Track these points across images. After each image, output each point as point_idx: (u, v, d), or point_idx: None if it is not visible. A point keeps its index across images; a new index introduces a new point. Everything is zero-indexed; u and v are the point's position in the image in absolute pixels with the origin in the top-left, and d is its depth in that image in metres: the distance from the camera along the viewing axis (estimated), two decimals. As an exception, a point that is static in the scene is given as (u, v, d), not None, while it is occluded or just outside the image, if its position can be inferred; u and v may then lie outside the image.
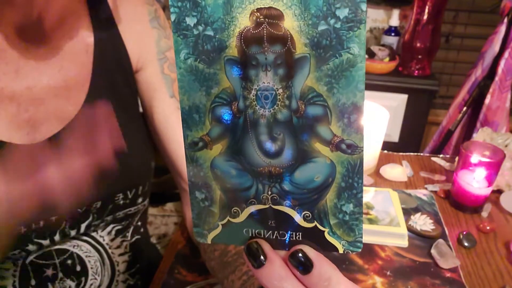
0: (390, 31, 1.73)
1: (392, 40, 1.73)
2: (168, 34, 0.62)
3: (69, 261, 0.56)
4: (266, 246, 0.28)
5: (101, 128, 0.55)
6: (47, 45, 0.50)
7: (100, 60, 0.54)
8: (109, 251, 0.61)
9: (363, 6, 0.22)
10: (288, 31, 0.24)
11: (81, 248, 0.57)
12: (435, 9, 1.54)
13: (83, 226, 0.56)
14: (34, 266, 0.54)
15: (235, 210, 0.28)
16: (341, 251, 0.28)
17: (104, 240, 0.60)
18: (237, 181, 0.27)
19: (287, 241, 0.28)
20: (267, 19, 0.24)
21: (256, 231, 0.29)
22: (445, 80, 1.95)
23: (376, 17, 1.86)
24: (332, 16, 0.23)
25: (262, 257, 0.27)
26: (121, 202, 0.58)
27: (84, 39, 0.54)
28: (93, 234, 0.59)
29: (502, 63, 1.30)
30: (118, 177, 0.56)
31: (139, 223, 0.68)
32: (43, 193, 0.50)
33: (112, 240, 0.61)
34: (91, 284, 0.59)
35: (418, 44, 1.60)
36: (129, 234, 0.65)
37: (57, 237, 0.53)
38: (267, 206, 0.28)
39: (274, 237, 0.28)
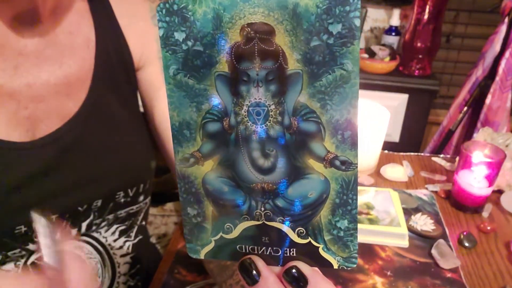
0: (390, 30, 1.73)
1: (392, 39, 1.72)
2: None
3: None
4: (259, 263, 0.28)
5: (101, 125, 0.54)
6: (46, 40, 0.49)
7: (102, 55, 0.54)
8: (111, 252, 0.61)
9: (357, 22, 0.22)
10: (280, 47, 0.23)
11: (82, 250, 0.57)
12: (435, 8, 1.54)
13: (84, 225, 0.56)
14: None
15: (228, 226, 0.28)
16: (335, 266, 0.27)
17: (106, 241, 0.60)
18: (229, 197, 0.27)
19: (281, 257, 0.28)
20: (258, 35, 0.23)
21: (249, 247, 0.28)
22: (446, 80, 1.95)
23: (376, 16, 1.86)
24: (325, 31, 0.23)
25: (255, 274, 0.27)
26: (122, 200, 0.57)
27: (85, 34, 0.53)
28: (96, 234, 0.59)
29: (502, 63, 1.30)
30: (118, 175, 0.56)
31: (143, 223, 0.67)
32: (43, 191, 0.50)
33: (115, 240, 0.61)
34: None
35: (419, 44, 1.60)
36: (132, 234, 0.64)
37: (58, 236, 0.53)
38: (260, 222, 0.27)
39: (268, 253, 0.28)
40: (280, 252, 0.28)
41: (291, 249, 0.28)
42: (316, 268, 0.28)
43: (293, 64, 0.24)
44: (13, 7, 0.45)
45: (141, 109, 0.64)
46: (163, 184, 1.16)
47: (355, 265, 0.27)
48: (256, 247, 0.28)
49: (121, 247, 0.62)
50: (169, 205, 1.22)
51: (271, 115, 0.25)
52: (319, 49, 0.23)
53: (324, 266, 0.28)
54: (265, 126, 0.25)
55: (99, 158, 0.54)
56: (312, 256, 0.28)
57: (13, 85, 0.47)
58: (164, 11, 0.24)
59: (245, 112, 0.25)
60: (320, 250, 0.27)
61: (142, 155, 0.60)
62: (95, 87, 0.53)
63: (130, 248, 0.64)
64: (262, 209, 0.27)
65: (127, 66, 0.57)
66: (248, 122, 0.25)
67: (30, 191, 0.48)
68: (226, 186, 0.27)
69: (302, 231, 0.27)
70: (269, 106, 0.25)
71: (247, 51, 0.24)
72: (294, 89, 0.24)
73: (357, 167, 0.25)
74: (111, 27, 0.55)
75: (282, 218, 0.27)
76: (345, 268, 0.27)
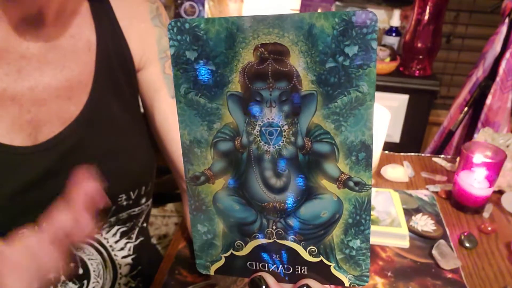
0: (391, 31, 1.73)
1: (393, 40, 1.72)
2: None
3: (71, 264, 0.56)
4: (270, 280, 0.27)
5: (103, 129, 0.54)
6: (49, 44, 0.49)
7: (103, 58, 0.54)
8: (112, 253, 0.61)
9: (374, 44, 0.22)
10: (294, 68, 0.23)
11: (84, 251, 0.57)
12: (436, 9, 1.54)
13: None
14: None
15: (238, 244, 0.28)
16: (347, 284, 0.27)
17: (108, 242, 0.60)
18: (240, 216, 0.27)
19: (292, 275, 0.28)
20: (272, 55, 0.23)
21: (260, 265, 0.28)
22: (446, 81, 1.95)
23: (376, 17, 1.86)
24: (341, 53, 0.22)
25: None
26: (124, 203, 0.57)
27: (86, 37, 0.53)
28: (97, 236, 0.59)
29: (503, 64, 1.30)
30: (120, 178, 0.56)
31: (144, 225, 0.67)
32: (45, 195, 0.50)
33: (116, 242, 0.61)
34: (93, 287, 0.59)
35: (419, 45, 1.59)
36: (134, 236, 0.64)
37: None
38: (271, 240, 0.27)
39: (278, 271, 0.28)
40: (291, 270, 0.28)
41: (302, 267, 0.28)
42: (327, 286, 0.28)
43: (307, 85, 0.23)
44: (21, 10, 0.45)
45: (141, 110, 0.64)
46: (164, 185, 1.16)
47: (366, 283, 0.27)
48: (266, 265, 0.28)
49: (122, 249, 0.62)
50: (170, 206, 1.22)
51: (284, 135, 0.25)
52: (334, 70, 0.23)
53: (335, 284, 0.28)
54: (278, 146, 0.25)
55: (101, 162, 0.54)
56: (323, 274, 0.27)
57: (16, 89, 0.47)
58: (175, 29, 0.24)
59: (257, 132, 0.25)
60: (332, 269, 0.27)
61: (144, 157, 0.60)
62: (96, 90, 0.53)
63: (131, 249, 0.64)
64: (274, 227, 0.27)
65: (128, 68, 0.57)
66: (261, 142, 0.25)
67: (32, 195, 0.48)
68: (237, 205, 0.27)
69: (314, 249, 0.27)
70: (282, 127, 0.25)
71: (260, 71, 0.23)
72: (308, 110, 0.24)
73: (371, 188, 0.25)
74: (112, 29, 0.55)
75: (293, 236, 0.27)
76: (356, 286, 0.27)
